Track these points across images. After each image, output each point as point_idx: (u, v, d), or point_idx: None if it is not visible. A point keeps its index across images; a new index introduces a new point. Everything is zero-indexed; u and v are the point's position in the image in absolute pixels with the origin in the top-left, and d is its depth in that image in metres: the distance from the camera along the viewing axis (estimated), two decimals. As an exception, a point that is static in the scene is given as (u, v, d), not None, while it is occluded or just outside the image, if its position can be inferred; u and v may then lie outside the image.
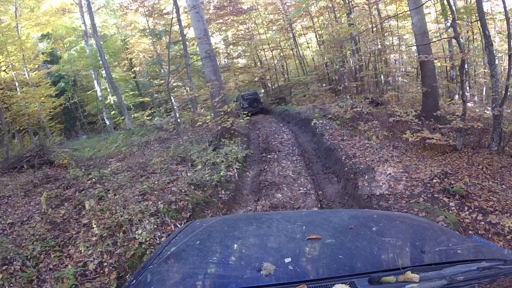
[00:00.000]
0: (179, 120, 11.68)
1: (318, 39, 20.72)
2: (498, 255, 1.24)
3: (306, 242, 1.27)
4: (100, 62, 15.58)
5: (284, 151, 8.82)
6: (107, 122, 18.57)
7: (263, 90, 26.83)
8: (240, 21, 22.07)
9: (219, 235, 1.55)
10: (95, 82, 18.36)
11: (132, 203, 4.83)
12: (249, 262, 1.18)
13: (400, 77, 17.72)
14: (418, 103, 11.34)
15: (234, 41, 24.08)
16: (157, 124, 13.77)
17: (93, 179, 6.54)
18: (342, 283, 0.96)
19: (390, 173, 5.34)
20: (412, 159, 6.47)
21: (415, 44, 10.55)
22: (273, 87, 26.01)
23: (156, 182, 5.81)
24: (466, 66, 9.86)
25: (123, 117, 13.88)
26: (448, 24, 10.88)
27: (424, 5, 9.56)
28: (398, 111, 8.04)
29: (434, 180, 4.90)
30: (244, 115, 11.38)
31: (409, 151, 7.25)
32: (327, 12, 18.57)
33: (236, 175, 6.93)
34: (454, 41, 9.63)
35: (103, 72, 18.31)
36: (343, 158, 6.63)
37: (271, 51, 24.28)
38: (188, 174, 6.36)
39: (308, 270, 1.11)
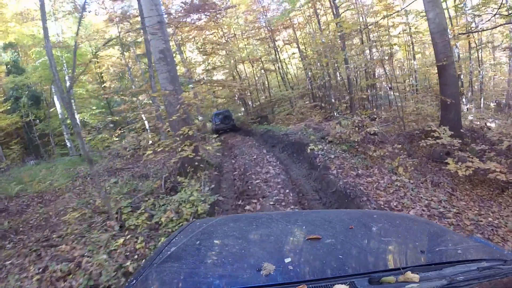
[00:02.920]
0: (140, 143, 10.28)
1: (302, 52, 19.65)
2: (498, 255, 1.24)
3: (306, 242, 1.27)
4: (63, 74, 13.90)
5: (271, 196, 5.77)
6: (68, 144, 16.30)
7: (243, 109, 25.49)
8: (213, 24, 17.91)
9: (219, 235, 1.55)
10: (55, 97, 16.22)
11: None
12: (249, 262, 1.18)
13: (391, 90, 16.66)
14: (427, 118, 9.88)
15: (208, 50, 20.58)
16: (114, 150, 11.79)
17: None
18: (342, 283, 0.96)
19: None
20: (468, 204, 4.73)
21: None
22: (254, 105, 24.27)
23: (35, 277, 3.38)
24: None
25: (90, 138, 12.02)
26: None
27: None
28: (433, 131, 6.36)
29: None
30: (215, 139, 10.70)
31: (457, 189, 5.36)
32: (311, 23, 17.99)
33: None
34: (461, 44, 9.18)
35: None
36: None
37: (252, 65, 22.42)
38: (100, 257, 3.48)
39: (308, 270, 1.11)
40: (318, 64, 16.47)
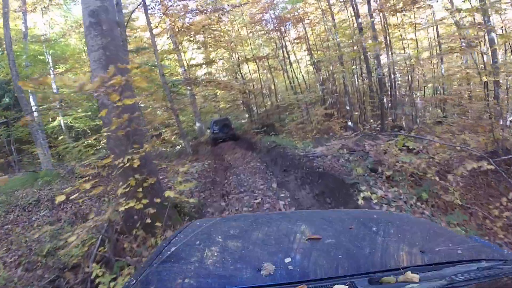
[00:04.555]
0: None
1: (311, 51, 17.63)
2: (498, 255, 1.24)
3: (306, 242, 1.27)
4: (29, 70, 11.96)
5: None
6: (40, 155, 13.00)
7: (247, 115, 23.31)
8: (215, 22, 16.51)
9: (219, 235, 1.55)
10: (30, 97, 13.15)
11: None
12: (249, 262, 1.18)
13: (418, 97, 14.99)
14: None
15: (208, 45, 18.97)
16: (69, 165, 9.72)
17: None
18: (342, 283, 0.96)
19: None
20: None
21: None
22: (259, 112, 21.88)
23: None
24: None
25: (66, 147, 10.07)
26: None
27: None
28: None
29: None
30: (205, 157, 10.21)
31: None
32: (327, 17, 16.04)
33: None
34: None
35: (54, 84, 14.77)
36: None
37: (257, 64, 20.12)
38: None
39: (308, 270, 1.11)
40: (331, 66, 15.05)
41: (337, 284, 0.95)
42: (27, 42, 12.75)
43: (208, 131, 18.26)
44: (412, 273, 0.98)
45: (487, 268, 1.05)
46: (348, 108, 13.75)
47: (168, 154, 13.94)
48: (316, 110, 14.05)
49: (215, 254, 1.31)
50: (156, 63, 12.97)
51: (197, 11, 14.96)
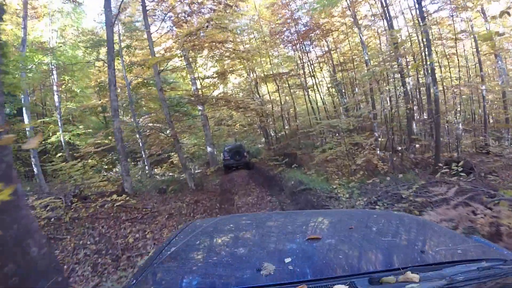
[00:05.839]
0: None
1: (334, 69, 16.37)
2: (498, 255, 1.24)
3: (306, 242, 1.27)
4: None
5: None
6: (35, 170, 11.68)
7: (263, 140, 21.96)
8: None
9: (219, 235, 1.56)
10: (23, 110, 12.21)
11: None
12: (249, 262, 1.18)
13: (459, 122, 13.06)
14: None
15: (223, 61, 17.06)
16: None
17: None
18: (342, 283, 0.96)
19: None
20: None
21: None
22: (277, 136, 20.22)
23: None
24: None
25: (75, 163, 8.94)
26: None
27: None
28: None
29: None
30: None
31: None
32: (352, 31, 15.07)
33: None
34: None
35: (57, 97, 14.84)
36: None
37: (276, 84, 18.81)
38: None
39: (308, 270, 1.11)
40: (368, 85, 12.96)
41: (337, 284, 0.95)
42: (25, 50, 11.70)
43: (223, 157, 17.35)
44: (412, 273, 0.98)
45: (487, 268, 1.05)
46: (376, 134, 11.74)
47: (160, 183, 11.98)
48: (362, 140, 10.41)
49: (215, 254, 1.32)
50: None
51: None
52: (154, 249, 3.43)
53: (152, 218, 6.96)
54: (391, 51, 10.04)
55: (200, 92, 16.23)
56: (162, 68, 11.99)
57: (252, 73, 19.14)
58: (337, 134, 11.78)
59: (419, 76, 14.05)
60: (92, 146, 13.44)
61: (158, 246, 1.61)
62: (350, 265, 1.13)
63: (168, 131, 11.22)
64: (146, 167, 16.79)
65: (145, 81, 16.44)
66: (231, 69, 17.86)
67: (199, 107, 16.36)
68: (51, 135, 15.44)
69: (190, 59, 16.15)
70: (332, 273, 1.07)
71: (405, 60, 12.21)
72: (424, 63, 11.39)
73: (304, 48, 17.89)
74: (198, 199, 9.06)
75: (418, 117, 14.02)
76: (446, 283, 0.93)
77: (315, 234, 1.31)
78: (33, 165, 11.82)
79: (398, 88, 11.19)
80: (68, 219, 6.40)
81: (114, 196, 7.38)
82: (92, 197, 8.06)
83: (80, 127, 16.60)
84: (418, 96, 14.41)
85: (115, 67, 10.50)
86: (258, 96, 18.68)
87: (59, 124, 15.54)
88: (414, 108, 13.06)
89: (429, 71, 10.33)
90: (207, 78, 17.63)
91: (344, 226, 1.51)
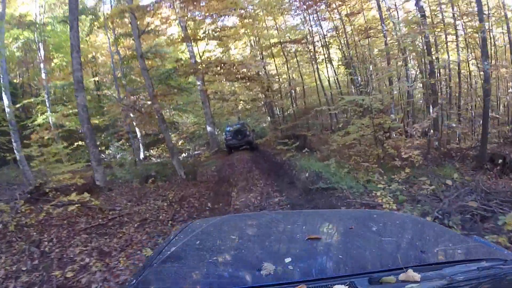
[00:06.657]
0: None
1: (346, 47, 14.55)
2: (498, 255, 1.24)
3: (306, 242, 1.27)
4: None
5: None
6: (17, 156, 10.65)
7: (269, 119, 20.69)
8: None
9: (219, 235, 1.56)
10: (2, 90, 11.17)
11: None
12: (249, 262, 1.18)
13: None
14: None
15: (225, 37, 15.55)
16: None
17: None
18: (342, 283, 0.95)
19: None
20: None
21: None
22: (284, 115, 18.64)
23: None
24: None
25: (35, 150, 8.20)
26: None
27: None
28: None
29: None
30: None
31: None
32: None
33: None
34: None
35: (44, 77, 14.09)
36: None
37: (284, 56, 17.43)
38: None
39: (308, 270, 1.11)
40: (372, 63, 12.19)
41: (337, 284, 0.95)
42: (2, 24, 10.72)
43: (225, 137, 16.37)
44: (412, 272, 0.97)
45: (487, 268, 1.04)
46: (393, 116, 10.09)
47: (151, 168, 10.97)
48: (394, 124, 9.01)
49: (215, 254, 1.32)
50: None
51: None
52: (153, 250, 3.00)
53: (118, 226, 5.45)
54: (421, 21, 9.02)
55: (196, 62, 14.79)
56: (143, 29, 10.49)
57: (258, 40, 17.49)
58: (361, 114, 9.51)
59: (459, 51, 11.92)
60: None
61: (158, 246, 1.61)
62: (350, 265, 1.13)
63: (155, 106, 9.81)
64: (141, 149, 16.06)
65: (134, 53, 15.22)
66: (233, 36, 16.14)
67: (198, 82, 15.40)
68: (39, 115, 14.57)
69: (189, 31, 15.02)
70: (332, 273, 1.07)
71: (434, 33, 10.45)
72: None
73: (316, 14, 15.67)
74: (185, 195, 7.55)
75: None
76: (446, 283, 0.92)
77: (315, 234, 1.31)
78: (15, 151, 10.71)
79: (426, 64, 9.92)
80: (13, 227, 4.90)
81: (73, 195, 5.83)
82: (51, 194, 6.52)
83: (69, 107, 15.15)
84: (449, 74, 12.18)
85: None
86: (264, 71, 17.38)
87: (47, 105, 14.82)
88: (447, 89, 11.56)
89: (480, 42, 8.69)
90: (207, 43, 16.36)
91: (344, 226, 1.51)
